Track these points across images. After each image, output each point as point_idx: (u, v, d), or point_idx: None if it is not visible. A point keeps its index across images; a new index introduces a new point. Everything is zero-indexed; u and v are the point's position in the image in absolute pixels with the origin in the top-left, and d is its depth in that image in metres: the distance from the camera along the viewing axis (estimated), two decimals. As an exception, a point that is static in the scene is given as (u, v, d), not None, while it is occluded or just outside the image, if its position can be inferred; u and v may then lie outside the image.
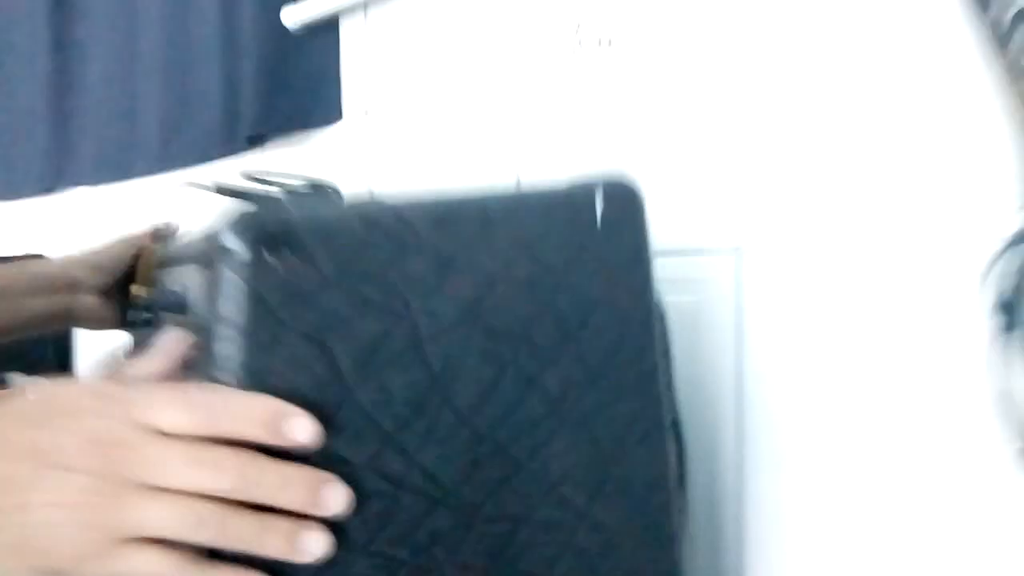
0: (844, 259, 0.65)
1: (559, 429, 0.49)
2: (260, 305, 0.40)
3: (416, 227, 0.45)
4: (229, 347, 0.40)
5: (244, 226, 0.40)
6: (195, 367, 0.43)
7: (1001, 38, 0.52)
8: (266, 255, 0.40)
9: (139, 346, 0.77)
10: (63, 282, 0.77)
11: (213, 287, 0.41)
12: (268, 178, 0.84)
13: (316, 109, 1.13)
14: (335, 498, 0.40)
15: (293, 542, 0.39)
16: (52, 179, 1.71)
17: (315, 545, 0.40)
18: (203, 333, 0.41)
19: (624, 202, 0.53)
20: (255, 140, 1.21)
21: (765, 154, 0.69)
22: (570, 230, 0.50)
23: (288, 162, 1.19)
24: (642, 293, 0.53)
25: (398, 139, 1.04)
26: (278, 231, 0.41)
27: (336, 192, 0.84)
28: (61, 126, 1.66)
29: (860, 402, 0.65)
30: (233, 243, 0.40)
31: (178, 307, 0.60)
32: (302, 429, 0.39)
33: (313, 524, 0.40)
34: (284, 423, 0.39)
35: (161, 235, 0.83)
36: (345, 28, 1.10)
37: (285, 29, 1.12)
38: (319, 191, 0.82)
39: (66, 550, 0.37)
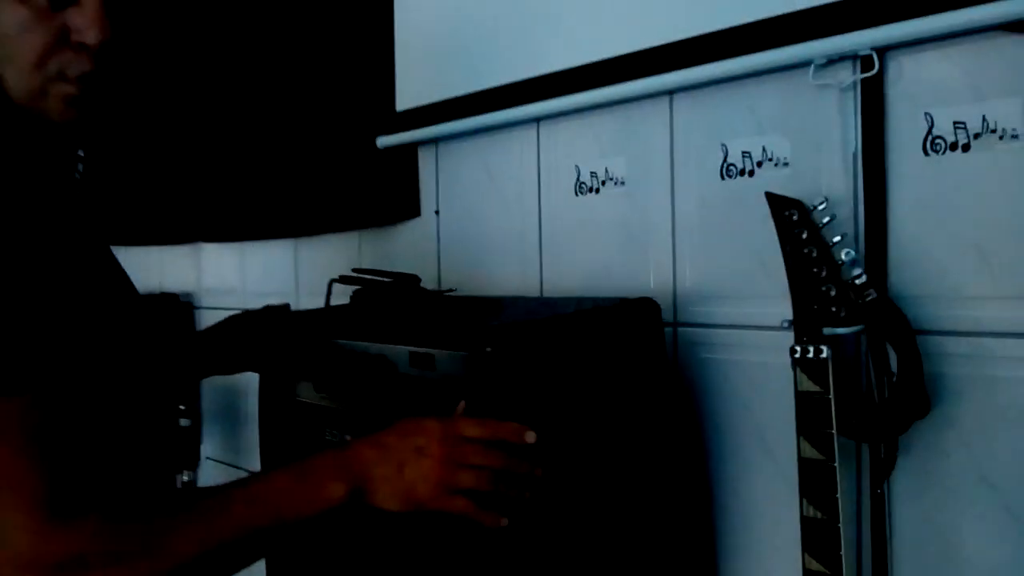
0: None
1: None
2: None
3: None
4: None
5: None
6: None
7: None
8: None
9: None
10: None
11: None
12: (374, 271, 1.30)
13: (398, 208, 1.59)
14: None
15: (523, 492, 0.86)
16: (181, 231, 2.18)
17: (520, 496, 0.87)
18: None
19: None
20: (355, 225, 1.67)
21: None
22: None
23: (378, 246, 1.64)
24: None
25: (459, 234, 1.49)
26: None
27: (417, 280, 1.29)
28: (194, 182, 2.11)
29: None
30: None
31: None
32: (531, 436, 0.85)
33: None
34: (525, 433, 0.85)
35: (275, 312, 1.27)
36: (421, 152, 1.55)
37: (378, 150, 1.57)
38: (409, 279, 1.26)
39: (423, 495, 0.84)
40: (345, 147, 1.64)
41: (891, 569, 0.95)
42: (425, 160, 1.55)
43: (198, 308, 2.17)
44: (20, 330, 0.75)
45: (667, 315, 1.14)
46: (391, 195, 1.59)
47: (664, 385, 1.06)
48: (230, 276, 2.09)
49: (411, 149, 1.56)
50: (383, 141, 1.56)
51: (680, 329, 1.15)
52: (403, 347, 0.99)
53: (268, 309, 1.23)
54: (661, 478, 1.04)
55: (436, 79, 1.46)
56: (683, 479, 1.08)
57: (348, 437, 1.06)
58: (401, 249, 1.61)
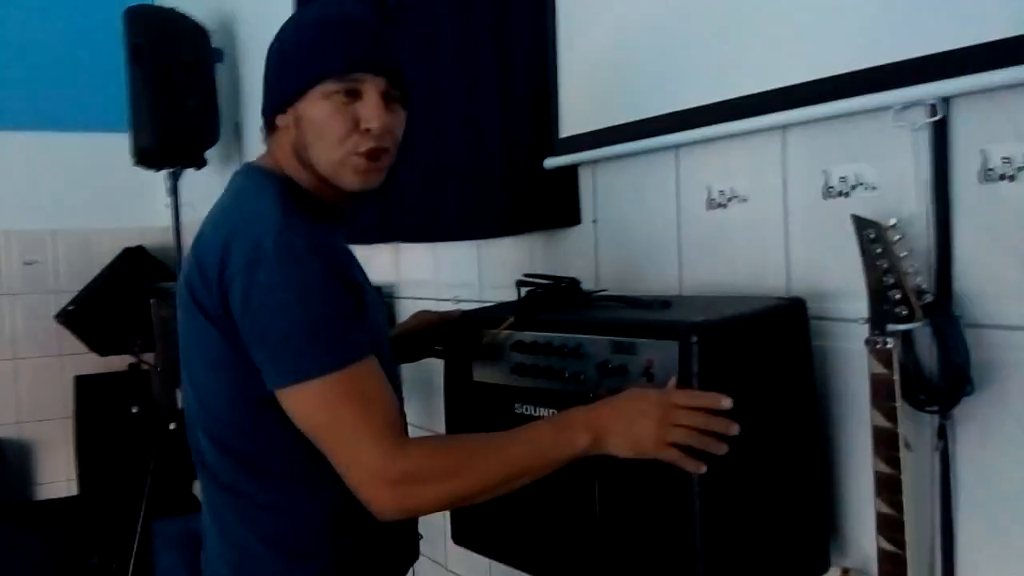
0: None
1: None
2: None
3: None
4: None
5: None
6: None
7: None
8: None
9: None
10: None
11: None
12: (538, 274, 1.61)
13: (562, 216, 1.90)
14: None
15: (717, 448, 1.14)
16: (380, 232, 2.58)
17: (720, 449, 1.14)
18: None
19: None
20: (518, 229, 2.00)
21: None
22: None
23: (547, 249, 1.96)
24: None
25: (612, 241, 1.78)
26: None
27: (577, 284, 1.59)
28: (390, 192, 2.50)
29: None
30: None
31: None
32: (727, 402, 1.13)
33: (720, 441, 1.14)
34: (722, 400, 1.13)
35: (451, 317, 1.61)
36: (581, 171, 1.86)
37: (545, 170, 1.89)
38: (572, 284, 1.57)
39: (646, 446, 1.14)
40: (520, 168, 1.96)
41: (955, 514, 1.19)
42: (584, 177, 1.86)
43: (397, 298, 2.57)
44: (351, 319, 1.12)
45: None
46: (556, 207, 1.91)
47: (808, 365, 1.34)
48: (424, 271, 2.47)
49: (572, 169, 1.87)
50: (549, 162, 1.87)
51: (792, 321, 1.41)
52: (605, 337, 1.29)
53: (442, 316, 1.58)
54: (801, 435, 1.32)
55: (592, 111, 1.76)
56: (813, 438, 1.35)
57: (548, 411, 1.35)
58: (565, 252, 1.92)
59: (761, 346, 1.27)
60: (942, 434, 1.17)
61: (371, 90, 1.22)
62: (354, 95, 1.22)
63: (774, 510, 1.28)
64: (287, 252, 1.11)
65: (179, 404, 3.82)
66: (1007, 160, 1.12)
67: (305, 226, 1.18)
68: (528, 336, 1.40)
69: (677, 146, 1.60)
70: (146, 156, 3.85)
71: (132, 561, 3.75)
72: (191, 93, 3.79)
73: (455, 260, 2.34)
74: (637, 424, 1.13)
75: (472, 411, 1.51)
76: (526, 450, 1.14)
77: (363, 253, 1.44)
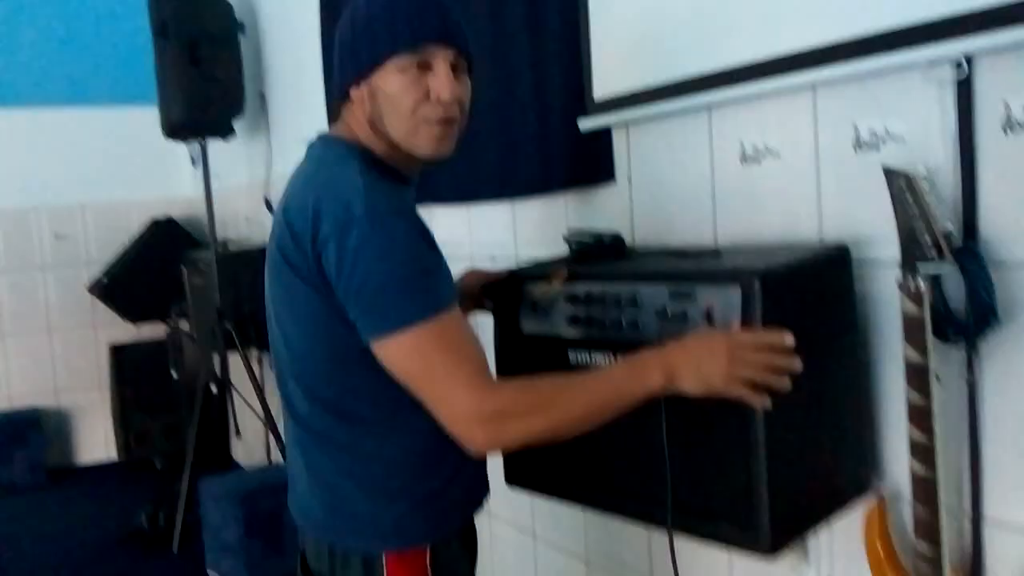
0: None
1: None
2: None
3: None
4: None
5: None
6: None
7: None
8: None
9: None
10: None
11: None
12: (584, 229, 1.71)
13: (598, 174, 1.99)
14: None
15: (781, 384, 1.23)
16: (418, 194, 2.67)
17: (784, 385, 1.24)
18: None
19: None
20: (554, 187, 2.09)
21: None
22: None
23: (580, 207, 2.06)
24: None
25: (647, 197, 1.88)
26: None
27: (621, 238, 1.69)
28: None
29: None
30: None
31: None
32: (790, 339, 1.23)
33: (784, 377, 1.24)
34: (786, 336, 1.23)
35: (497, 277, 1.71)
36: (616, 131, 1.94)
37: (580, 131, 1.98)
38: (616, 240, 1.67)
39: (715, 384, 1.23)
40: (553, 128, 2.05)
41: (980, 437, 1.29)
42: (618, 137, 1.95)
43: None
44: (436, 273, 1.23)
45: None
46: (590, 165, 2.00)
47: (852, 306, 1.44)
48: (460, 232, 2.57)
49: (607, 130, 1.95)
50: (584, 124, 1.96)
51: (824, 268, 1.50)
52: (662, 286, 1.38)
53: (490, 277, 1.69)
54: (846, 370, 1.42)
55: (625, 73, 1.85)
56: (857, 373, 1.45)
57: (605, 358, 1.45)
58: (598, 210, 2.01)
59: (813, 289, 1.37)
60: (970, 366, 1.27)
61: (440, 62, 1.31)
62: (424, 67, 1.31)
63: (823, 439, 1.38)
64: (374, 214, 1.21)
65: (216, 368, 3.97)
66: (1029, 110, 1.21)
67: (387, 189, 1.29)
68: (582, 288, 1.49)
69: (710, 106, 1.68)
70: (176, 128, 3.95)
71: (180, 517, 3.90)
72: (217, 66, 3.88)
73: (490, 220, 2.43)
74: (706, 363, 1.22)
75: (523, 362, 1.61)
76: (605, 388, 1.25)
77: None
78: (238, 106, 4.05)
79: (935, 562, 1.26)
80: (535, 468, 1.67)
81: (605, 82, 1.92)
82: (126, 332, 5.32)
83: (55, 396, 5.35)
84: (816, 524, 1.44)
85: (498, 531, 2.61)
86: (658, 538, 1.91)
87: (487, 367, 1.26)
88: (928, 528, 1.26)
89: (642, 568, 2.02)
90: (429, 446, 1.32)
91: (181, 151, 4.81)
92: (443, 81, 1.31)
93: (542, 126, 2.09)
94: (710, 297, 1.32)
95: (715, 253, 1.55)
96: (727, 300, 1.30)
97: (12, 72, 5.04)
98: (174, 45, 3.80)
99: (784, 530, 1.33)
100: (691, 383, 1.24)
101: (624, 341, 1.41)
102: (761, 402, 1.24)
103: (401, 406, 1.29)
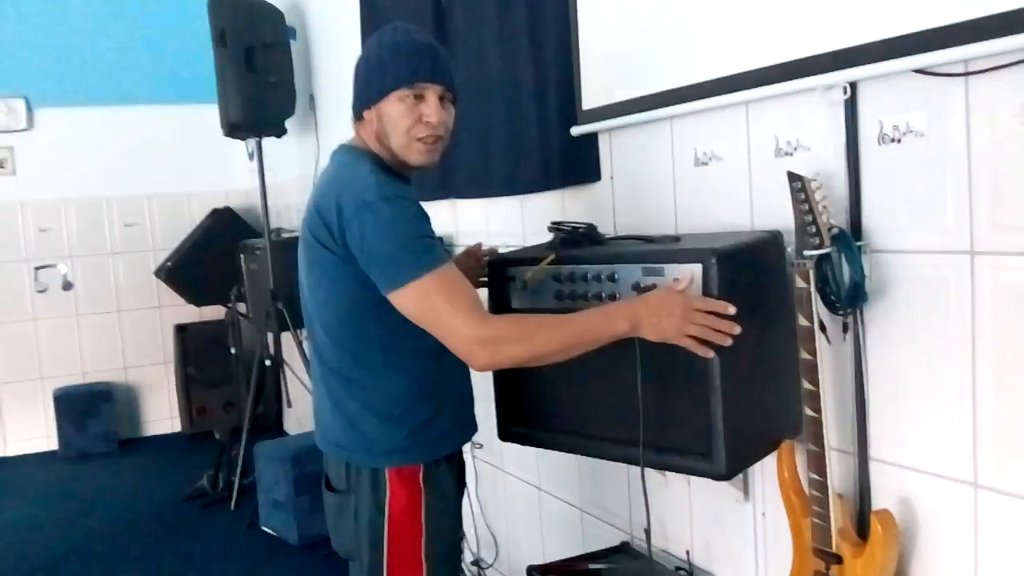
0: None
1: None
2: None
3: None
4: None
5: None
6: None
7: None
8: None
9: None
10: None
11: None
12: (565, 221, 2.05)
13: (587, 174, 2.33)
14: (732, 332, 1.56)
15: (723, 341, 1.54)
16: (441, 191, 3.04)
17: (725, 342, 1.55)
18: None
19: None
20: (553, 185, 2.44)
21: None
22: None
23: (575, 201, 2.40)
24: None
25: (626, 193, 2.21)
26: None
27: (594, 227, 2.02)
28: (448, 155, 2.95)
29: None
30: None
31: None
32: (731, 309, 1.53)
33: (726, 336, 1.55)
34: (728, 307, 1.54)
35: (487, 252, 2.06)
36: (601, 136, 2.28)
37: (571, 136, 2.31)
38: (590, 228, 2.00)
39: (670, 335, 1.54)
40: (552, 135, 2.40)
41: (865, 390, 1.61)
42: (603, 142, 2.28)
43: (456, 247, 3.04)
44: (433, 239, 1.63)
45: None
46: (582, 166, 2.34)
47: (784, 280, 1.70)
48: (477, 222, 2.93)
49: (594, 135, 2.29)
50: (575, 130, 2.30)
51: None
52: (637, 264, 1.69)
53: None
54: (781, 331, 1.70)
55: (607, 89, 2.18)
56: (787, 334, 1.70)
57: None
58: (589, 203, 2.36)
59: (756, 265, 1.68)
60: (845, 330, 1.59)
61: (431, 95, 1.71)
62: (419, 98, 1.71)
63: (764, 388, 1.69)
64: (384, 198, 1.61)
65: (270, 345, 4.37)
66: (896, 127, 1.52)
67: (392, 182, 1.70)
68: (566, 269, 1.83)
69: (671, 117, 2.01)
70: (234, 128, 4.36)
71: (237, 480, 4.33)
72: (271, 70, 4.28)
73: (502, 212, 2.79)
74: (664, 319, 1.54)
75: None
76: (580, 328, 1.60)
77: (426, 208, 1.88)
78: (290, 107, 4.45)
79: (822, 486, 1.58)
80: (527, 424, 1.99)
81: (592, 96, 2.25)
82: (189, 313, 5.78)
83: (124, 372, 5.84)
84: (759, 458, 1.76)
85: (511, 485, 2.98)
86: (634, 484, 2.25)
87: (481, 304, 1.64)
88: (817, 460, 1.58)
89: (623, 512, 2.37)
90: (424, 384, 1.75)
91: (238, 147, 5.21)
92: (432, 109, 1.71)
93: (542, 134, 2.43)
94: (675, 273, 1.64)
95: (675, 238, 1.87)
96: (688, 274, 1.60)
97: (86, 75, 5.52)
98: (232, 51, 4.20)
99: (735, 460, 1.63)
100: (650, 333, 1.57)
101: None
102: (705, 352, 1.56)
103: (402, 352, 1.71)
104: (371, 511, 1.75)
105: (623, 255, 1.76)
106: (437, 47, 1.77)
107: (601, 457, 1.90)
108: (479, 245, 2.13)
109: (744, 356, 1.60)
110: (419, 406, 1.75)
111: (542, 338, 1.60)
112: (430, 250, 1.62)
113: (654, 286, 1.66)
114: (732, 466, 1.64)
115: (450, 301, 1.59)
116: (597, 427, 1.83)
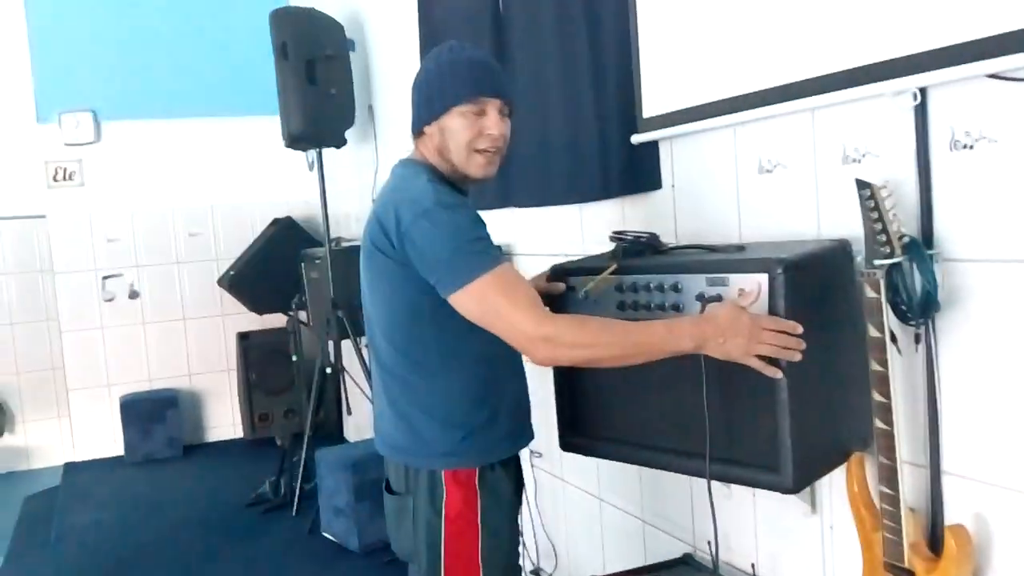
0: None
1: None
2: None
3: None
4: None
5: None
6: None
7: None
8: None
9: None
10: None
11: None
12: (627, 230, 2.04)
13: (647, 182, 2.31)
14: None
15: (791, 357, 1.54)
16: (500, 200, 3.04)
17: (793, 357, 1.55)
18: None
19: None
20: (613, 194, 2.43)
21: None
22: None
23: (635, 209, 2.39)
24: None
25: (687, 201, 2.19)
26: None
27: (656, 237, 2.01)
28: (508, 164, 2.96)
29: None
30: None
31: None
32: (798, 328, 1.53)
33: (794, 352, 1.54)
34: (797, 327, 1.53)
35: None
36: (661, 144, 2.27)
37: (632, 145, 2.30)
38: (652, 238, 1.99)
39: (736, 354, 1.55)
40: (611, 143, 2.39)
41: (938, 400, 1.57)
42: (664, 150, 2.27)
43: (516, 255, 3.05)
44: (489, 242, 1.66)
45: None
46: (642, 174, 2.33)
47: (852, 290, 1.68)
48: (536, 231, 2.94)
49: (654, 143, 2.28)
50: (636, 138, 2.29)
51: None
52: (701, 274, 1.67)
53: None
54: (850, 342, 1.66)
55: (668, 97, 2.17)
56: (857, 345, 1.67)
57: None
58: (649, 212, 2.34)
59: (823, 274, 1.65)
60: (917, 341, 1.56)
61: (491, 110, 1.76)
62: (480, 113, 1.75)
63: (832, 400, 1.66)
64: (440, 206, 1.66)
65: (330, 353, 4.42)
66: (968, 133, 1.49)
67: (448, 191, 1.74)
68: (629, 279, 1.82)
69: (734, 125, 1.99)
70: (295, 139, 4.42)
71: (298, 485, 4.38)
72: (331, 82, 4.35)
73: (561, 221, 2.79)
74: (731, 339, 1.54)
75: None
76: (643, 339, 1.60)
77: (485, 217, 1.88)
78: (349, 118, 4.50)
79: (894, 500, 1.55)
80: (587, 434, 1.99)
81: (652, 103, 2.24)
82: (251, 321, 5.87)
83: (189, 379, 5.94)
84: (827, 471, 1.73)
85: (571, 495, 2.97)
86: (698, 494, 2.23)
87: (539, 301, 1.66)
88: (889, 474, 1.55)
89: (685, 523, 2.34)
90: (480, 389, 1.79)
91: (299, 157, 5.29)
92: (493, 123, 1.76)
93: (603, 142, 2.43)
94: (740, 283, 1.62)
95: (740, 247, 1.85)
96: (753, 285, 1.58)
97: (152, 88, 5.64)
98: (293, 64, 4.27)
99: (803, 473, 1.62)
100: (715, 352, 1.57)
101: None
102: (773, 373, 1.55)
103: (459, 356, 1.76)
104: (428, 513, 1.79)
105: (687, 265, 1.75)
106: (494, 63, 1.84)
107: (665, 469, 1.89)
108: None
109: (812, 368, 1.58)
110: (475, 410, 1.79)
111: (603, 342, 1.60)
112: (487, 251, 1.66)
113: (719, 296, 1.64)
114: (800, 479, 1.62)
115: (510, 299, 1.61)
116: (659, 438, 1.82)
